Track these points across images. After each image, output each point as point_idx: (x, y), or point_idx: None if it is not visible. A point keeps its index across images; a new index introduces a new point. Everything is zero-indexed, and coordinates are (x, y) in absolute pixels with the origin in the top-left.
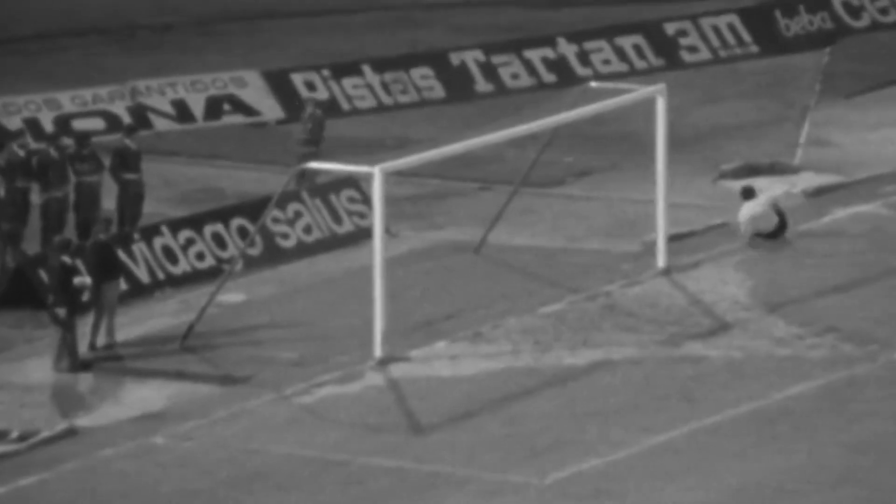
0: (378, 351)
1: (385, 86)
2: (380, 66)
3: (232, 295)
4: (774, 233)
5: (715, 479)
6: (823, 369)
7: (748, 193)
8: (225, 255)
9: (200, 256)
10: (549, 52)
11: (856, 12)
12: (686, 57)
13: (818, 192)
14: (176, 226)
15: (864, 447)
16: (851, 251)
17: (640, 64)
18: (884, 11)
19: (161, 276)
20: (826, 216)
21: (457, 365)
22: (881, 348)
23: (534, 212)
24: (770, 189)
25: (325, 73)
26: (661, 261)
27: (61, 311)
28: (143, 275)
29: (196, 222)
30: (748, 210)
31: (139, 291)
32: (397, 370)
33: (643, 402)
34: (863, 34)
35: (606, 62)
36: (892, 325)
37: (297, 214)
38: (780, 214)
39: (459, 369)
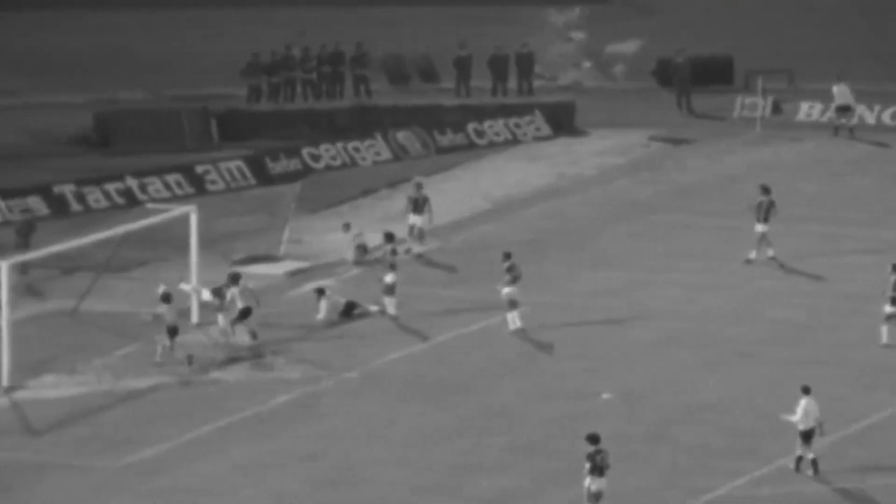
0: (5, 382)
1: (9, 209)
2: (4, 194)
3: None
4: (345, 313)
5: (227, 458)
6: (299, 385)
7: (321, 291)
8: None
9: None
10: (119, 185)
11: (316, 158)
12: (209, 187)
13: (295, 273)
14: None
15: (327, 435)
16: (314, 311)
17: (179, 192)
18: (333, 158)
19: None
20: (301, 288)
21: (60, 389)
22: (334, 371)
23: (111, 288)
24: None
25: None
26: (196, 320)
27: None
28: None
29: None
30: (331, 301)
31: None
32: (19, 394)
33: (185, 410)
34: (321, 173)
35: (158, 191)
36: (341, 356)
37: None
38: (348, 302)
39: (62, 392)
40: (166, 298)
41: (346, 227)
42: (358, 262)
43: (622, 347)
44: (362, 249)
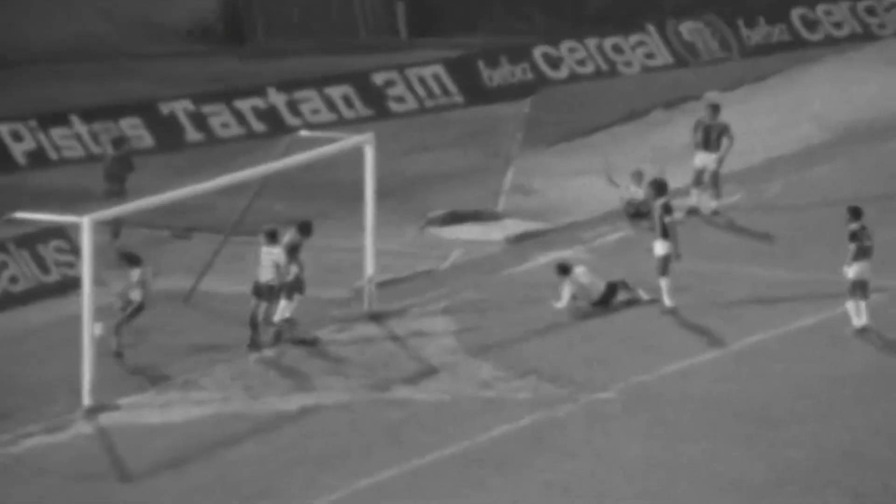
0: (87, 400)
1: (94, 136)
2: (88, 115)
3: None
4: (602, 300)
5: None
6: (527, 410)
7: (564, 269)
8: None
9: None
10: (259, 102)
11: (555, 63)
12: (393, 107)
13: (520, 238)
14: None
15: (565, 486)
16: (552, 297)
17: (348, 113)
18: (581, 63)
19: None
20: (528, 262)
21: (167, 412)
22: (579, 389)
23: (242, 259)
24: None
25: (32, 123)
26: (369, 306)
27: None
28: None
29: None
30: (578, 283)
31: None
32: (106, 419)
33: (352, 447)
34: (561, 85)
35: (316, 112)
36: (589, 368)
37: (3, 265)
38: (609, 284)
39: (169, 416)
40: (132, 260)
41: (638, 176)
42: (638, 216)
43: None
44: (638, 204)
